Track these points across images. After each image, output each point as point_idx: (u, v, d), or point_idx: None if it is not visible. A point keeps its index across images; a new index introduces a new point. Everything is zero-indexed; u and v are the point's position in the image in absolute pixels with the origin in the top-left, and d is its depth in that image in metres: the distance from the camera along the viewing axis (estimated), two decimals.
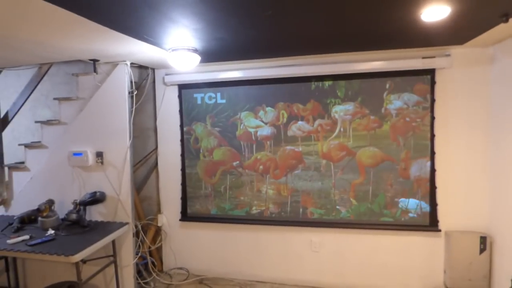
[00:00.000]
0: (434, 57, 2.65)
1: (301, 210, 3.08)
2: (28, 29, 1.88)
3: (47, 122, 3.03)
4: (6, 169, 3.15)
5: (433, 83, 2.72)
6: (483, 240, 2.62)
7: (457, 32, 2.18)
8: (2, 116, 3.17)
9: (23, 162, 3.11)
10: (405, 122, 2.79)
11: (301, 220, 3.08)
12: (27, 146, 3.09)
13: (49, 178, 3.03)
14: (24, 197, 3.08)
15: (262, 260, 3.23)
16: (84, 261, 2.65)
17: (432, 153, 2.76)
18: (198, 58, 2.55)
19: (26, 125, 3.79)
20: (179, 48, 2.42)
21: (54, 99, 3.04)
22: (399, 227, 2.87)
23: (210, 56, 2.74)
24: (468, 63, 2.66)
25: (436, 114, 2.74)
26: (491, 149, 2.64)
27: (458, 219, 2.77)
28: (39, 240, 2.41)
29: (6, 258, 3.01)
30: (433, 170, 2.77)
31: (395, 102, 2.80)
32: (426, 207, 2.81)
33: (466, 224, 2.74)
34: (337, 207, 2.99)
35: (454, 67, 2.69)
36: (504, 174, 2.46)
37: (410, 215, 2.84)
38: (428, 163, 2.78)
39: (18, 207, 3.07)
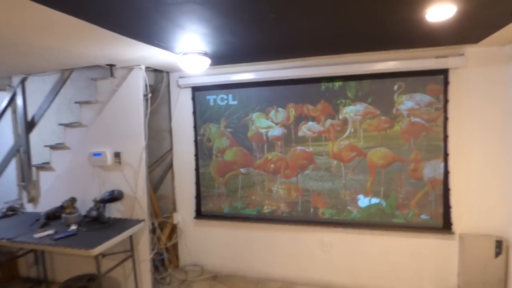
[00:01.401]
0: (447, 56, 2.59)
1: (312, 210, 3.11)
2: (46, 38, 2.01)
3: (69, 125, 3.22)
4: (33, 169, 3.38)
5: (446, 83, 2.66)
6: (499, 244, 2.55)
7: (468, 31, 2.13)
8: (29, 119, 3.39)
9: (48, 163, 3.32)
10: (417, 122, 2.75)
11: (312, 220, 3.11)
12: (52, 147, 3.29)
13: (72, 177, 3.22)
14: (50, 195, 3.29)
15: (273, 258, 3.29)
16: (103, 255, 2.81)
17: (446, 155, 2.71)
18: (208, 61, 2.62)
19: (51, 128, 4.00)
20: (189, 52, 2.51)
21: (75, 102, 3.22)
22: (411, 229, 2.83)
23: (220, 59, 2.81)
24: (483, 62, 2.59)
25: (449, 115, 2.68)
26: (507, 151, 2.56)
27: (472, 221, 2.70)
28: (62, 235, 2.58)
29: (35, 252, 3.24)
30: (446, 172, 2.72)
31: (406, 103, 2.77)
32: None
33: (481, 227, 2.68)
34: (348, 207, 2.99)
35: (469, 67, 2.61)
36: None
37: (423, 217, 2.81)
38: (442, 165, 2.72)
39: (45, 204, 3.28)
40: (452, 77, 2.65)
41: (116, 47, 2.32)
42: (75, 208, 2.95)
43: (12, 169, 3.67)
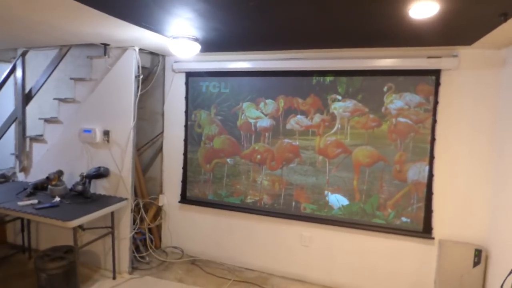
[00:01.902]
0: (440, 57, 2.53)
1: (293, 203, 3.10)
2: (41, 13, 2.07)
3: (64, 100, 3.28)
4: (27, 140, 3.47)
5: (437, 84, 2.60)
6: (478, 253, 2.49)
7: (458, 32, 2.07)
8: (27, 92, 3.47)
9: (42, 135, 3.40)
10: (405, 123, 2.70)
11: (293, 214, 3.10)
12: (46, 120, 3.37)
13: (63, 151, 3.30)
14: (41, 166, 3.38)
15: (253, 249, 3.31)
16: (83, 229, 2.88)
17: (431, 158, 2.66)
18: (198, 46, 2.63)
19: (51, 102, 4.10)
20: (179, 36, 2.51)
21: (70, 79, 3.28)
22: (391, 230, 2.80)
23: (210, 46, 2.81)
24: (477, 65, 2.51)
25: (438, 117, 2.62)
26: (495, 158, 2.49)
27: (453, 228, 2.65)
28: (44, 205, 2.66)
29: (22, 220, 3.33)
30: (431, 175, 2.67)
31: (396, 102, 2.72)
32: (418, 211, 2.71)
33: (461, 234, 2.62)
34: (330, 203, 2.98)
35: (462, 69, 2.55)
36: (507, 185, 2.32)
37: (403, 219, 2.77)
38: (427, 168, 2.67)
39: (36, 175, 3.38)
40: (443, 78, 2.59)
41: (108, 27, 2.36)
42: (61, 181, 3.02)
43: (11, 138, 3.78)
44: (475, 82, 2.52)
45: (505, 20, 1.73)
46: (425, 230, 2.71)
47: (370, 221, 2.86)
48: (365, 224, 2.87)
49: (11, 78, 3.60)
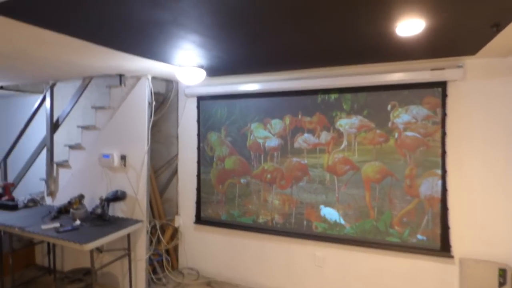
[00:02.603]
0: (443, 68, 2.48)
1: (305, 222, 3.07)
2: (65, 54, 2.33)
3: (86, 127, 3.53)
4: (55, 165, 3.73)
5: (444, 96, 2.54)
6: (503, 273, 2.33)
7: (453, 44, 2.05)
8: (54, 120, 3.77)
9: (67, 160, 3.65)
10: (413, 137, 2.64)
11: (305, 233, 3.07)
12: (70, 147, 3.62)
13: (85, 175, 3.51)
14: (66, 190, 3.61)
15: (266, 269, 3.28)
16: (101, 251, 3.01)
17: (444, 171, 2.56)
18: (203, 73, 2.76)
19: (77, 129, 4.42)
20: (185, 64, 2.67)
21: (92, 107, 3.53)
22: (407, 248, 2.68)
23: (216, 71, 2.94)
24: (484, 74, 2.44)
25: (448, 130, 2.54)
26: (511, 170, 2.36)
27: (474, 245, 2.50)
28: (66, 228, 2.82)
29: (48, 243, 3.54)
30: (444, 190, 2.56)
31: (402, 116, 2.68)
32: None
33: (483, 252, 2.47)
34: (341, 222, 2.92)
35: (469, 79, 2.48)
36: None
37: (419, 237, 2.65)
38: (439, 182, 2.58)
39: (61, 199, 3.60)
40: (450, 89, 2.53)
41: (120, 61, 2.57)
42: (82, 204, 3.20)
43: (42, 164, 4.08)
44: (484, 92, 2.44)
45: (498, 31, 1.70)
46: (443, 248, 2.57)
47: (384, 240, 2.76)
48: (379, 243, 2.78)
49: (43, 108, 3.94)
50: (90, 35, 1.89)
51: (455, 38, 1.92)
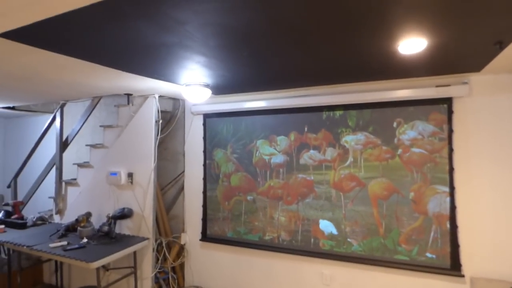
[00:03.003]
0: (449, 85, 2.49)
1: (312, 240, 3.04)
2: (69, 75, 2.39)
3: (94, 146, 3.59)
4: (63, 184, 3.78)
5: (450, 112, 2.53)
6: None
7: (457, 61, 2.06)
8: (63, 139, 3.85)
9: (75, 179, 3.70)
10: (420, 153, 2.62)
11: (312, 251, 3.03)
12: (79, 165, 3.68)
13: (93, 193, 3.55)
14: (75, 208, 3.64)
15: (273, 287, 3.23)
16: (107, 269, 3.01)
17: (452, 188, 2.52)
18: (209, 92, 2.81)
19: (86, 147, 4.50)
20: (191, 83, 2.72)
21: (100, 126, 3.60)
22: (416, 267, 2.63)
23: (221, 89, 2.99)
24: (491, 90, 2.43)
25: (455, 146, 2.52)
26: None
27: (485, 263, 2.44)
28: (72, 246, 2.83)
29: (56, 261, 3.55)
30: (453, 207, 2.52)
31: (408, 132, 2.67)
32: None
33: (495, 271, 2.40)
34: (348, 239, 2.88)
35: (475, 95, 2.47)
36: None
37: (428, 255, 2.60)
38: (448, 199, 2.54)
39: (70, 216, 3.64)
40: (456, 106, 2.52)
41: (127, 81, 2.63)
42: (89, 222, 3.22)
43: (51, 183, 4.14)
44: (491, 108, 2.43)
45: (502, 48, 1.71)
46: (453, 267, 2.51)
47: (393, 258, 2.71)
48: (387, 261, 2.73)
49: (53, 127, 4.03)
50: (100, 57, 1.96)
51: (458, 55, 1.93)
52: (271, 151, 3.24)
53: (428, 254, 2.60)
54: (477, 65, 2.18)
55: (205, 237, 3.59)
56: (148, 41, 1.67)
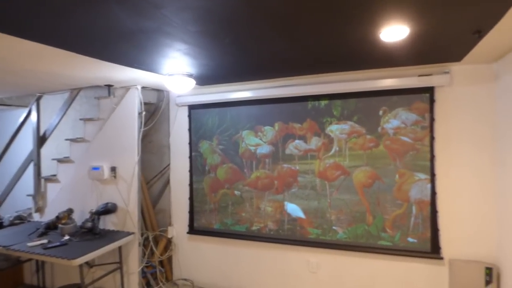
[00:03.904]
0: (431, 74, 2.54)
1: (298, 228, 3.07)
2: (46, 64, 2.29)
3: (74, 140, 3.47)
4: (42, 180, 3.64)
5: (432, 101, 2.59)
6: (489, 271, 2.37)
7: (438, 50, 2.10)
8: (41, 134, 3.69)
9: (55, 175, 3.58)
10: (403, 141, 2.68)
11: (298, 239, 3.07)
12: (59, 160, 3.55)
13: (74, 189, 3.44)
14: (55, 205, 3.52)
15: (261, 277, 3.26)
16: (91, 266, 2.94)
17: (432, 175, 2.60)
18: (193, 82, 2.76)
19: (67, 142, 4.34)
20: (174, 73, 2.66)
21: (80, 119, 3.48)
22: (398, 252, 2.71)
23: (205, 79, 2.94)
24: (470, 80, 2.50)
25: (436, 134, 2.59)
26: (498, 172, 2.42)
27: (462, 246, 2.54)
28: (53, 244, 2.75)
29: (37, 260, 3.44)
30: (433, 193, 2.60)
31: (392, 121, 2.72)
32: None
33: (471, 253, 2.51)
34: (334, 227, 2.93)
35: (455, 85, 2.54)
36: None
37: (410, 240, 2.68)
38: (429, 186, 2.62)
39: (50, 214, 3.51)
40: (438, 95, 2.58)
41: (106, 71, 2.54)
42: (71, 219, 3.13)
43: (28, 180, 3.98)
44: (470, 97, 2.50)
45: (480, 38, 1.75)
46: (433, 250, 2.61)
47: (377, 244, 2.78)
48: (371, 247, 2.80)
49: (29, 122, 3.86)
50: (74, 45, 1.86)
51: (439, 44, 1.97)
52: (257, 141, 3.23)
53: (410, 239, 2.68)
54: (457, 55, 2.23)
55: (192, 229, 3.57)
56: (123, 27, 1.60)
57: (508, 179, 2.27)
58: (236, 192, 3.33)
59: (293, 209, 3.04)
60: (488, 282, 2.36)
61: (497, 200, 2.44)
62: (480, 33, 1.70)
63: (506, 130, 2.28)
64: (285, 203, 3.08)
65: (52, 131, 3.72)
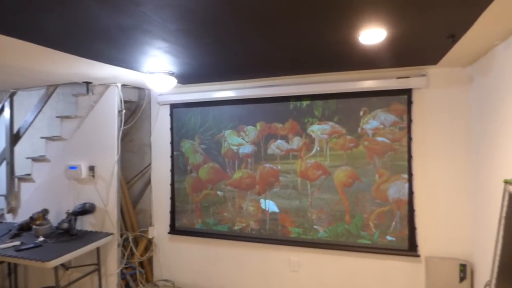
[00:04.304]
0: (408, 77, 2.61)
1: (279, 228, 3.09)
2: (21, 59, 2.20)
3: (50, 138, 3.35)
4: (16, 180, 3.50)
5: (409, 103, 2.66)
6: (463, 268, 2.46)
7: (414, 53, 2.16)
8: (15, 132, 3.55)
9: (30, 174, 3.45)
10: (382, 142, 2.74)
11: (280, 239, 3.08)
12: (33, 159, 3.42)
13: (50, 189, 3.33)
14: (29, 206, 3.39)
15: (243, 277, 3.25)
16: (67, 268, 2.86)
17: (410, 175, 2.67)
18: (174, 80, 2.72)
19: (43, 140, 4.19)
20: (155, 71, 2.61)
21: (57, 117, 3.37)
22: (377, 250, 2.77)
23: (187, 78, 2.91)
24: (446, 83, 2.59)
25: (413, 135, 2.67)
26: (472, 172, 2.51)
27: (438, 244, 2.63)
28: (26, 246, 2.65)
29: (8, 263, 3.30)
30: (411, 193, 2.67)
31: (371, 122, 2.77)
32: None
33: (447, 250, 2.60)
34: (315, 226, 2.96)
35: (432, 87, 2.62)
36: (486, 198, 2.32)
37: (388, 238, 2.75)
38: (406, 185, 2.69)
39: (24, 215, 3.37)
40: (415, 97, 2.66)
41: (84, 68, 2.47)
42: (46, 220, 3.03)
43: (2, 179, 3.81)
44: (446, 99, 2.59)
45: (454, 42, 1.81)
46: (411, 248, 2.68)
47: (356, 242, 2.84)
48: (351, 246, 2.85)
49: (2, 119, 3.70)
50: (51, 41, 1.81)
51: (416, 47, 2.02)
52: (239, 141, 3.22)
53: (388, 237, 2.74)
54: (433, 58, 2.30)
55: (174, 230, 3.52)
56: (100, 23, 1.56)
57: (481, 178, 2.36)
58: (218, 192, 3.31)
59: (269, 204, 3.11)
60: (462, 279, 2.45)
61: (471, 199, 2.53)
62: (454, 38, 1.76)
63: (480, 131, 2.37)
64: (262, 200, 3.13)
65: (27, 129, 3.59)
